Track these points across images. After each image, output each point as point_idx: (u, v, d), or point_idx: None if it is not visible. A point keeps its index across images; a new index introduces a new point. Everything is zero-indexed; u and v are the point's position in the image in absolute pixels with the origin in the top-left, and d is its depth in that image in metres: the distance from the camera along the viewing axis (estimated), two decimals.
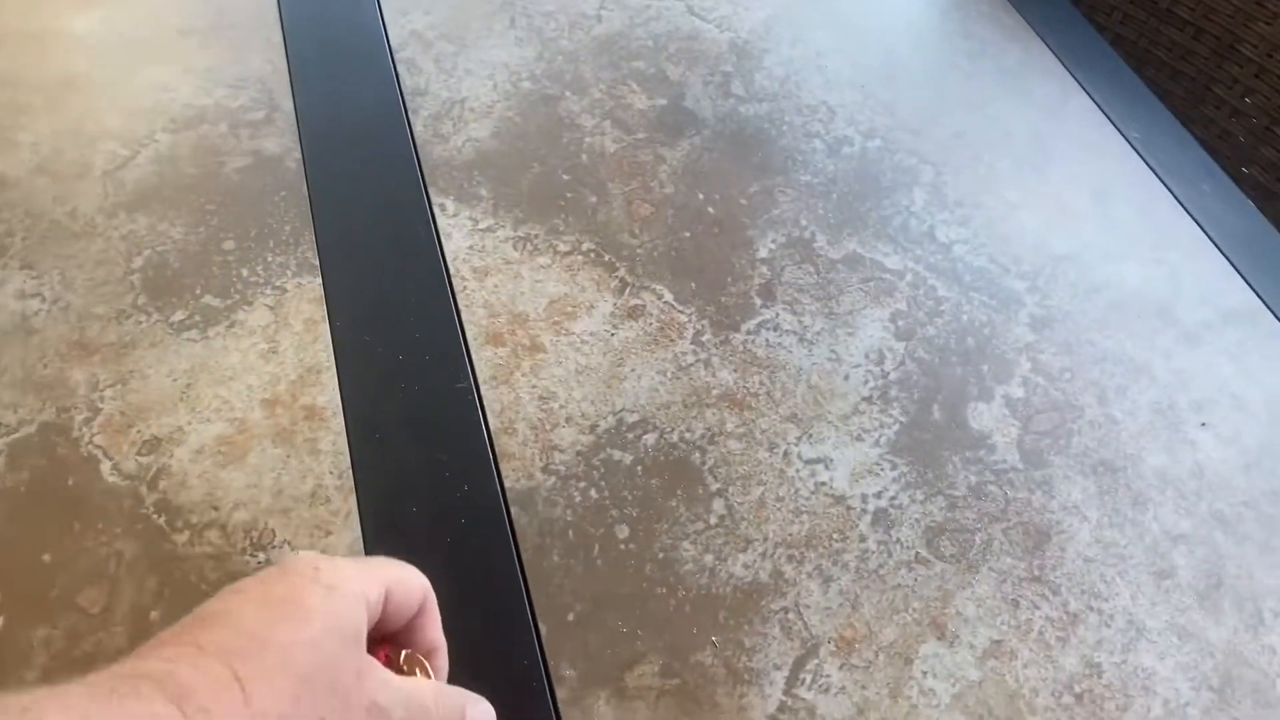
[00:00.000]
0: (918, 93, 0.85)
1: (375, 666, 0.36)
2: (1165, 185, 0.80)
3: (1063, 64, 0.89)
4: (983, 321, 0.70)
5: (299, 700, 0.33)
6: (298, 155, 0.75)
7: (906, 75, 0.87)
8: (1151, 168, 0.81)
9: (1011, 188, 0.79)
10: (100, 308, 0.65)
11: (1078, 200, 0.78)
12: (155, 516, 0.56)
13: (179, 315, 0.65)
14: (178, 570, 0.54)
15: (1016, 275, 0.73)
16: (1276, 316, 0.72)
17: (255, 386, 0.62)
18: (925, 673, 0.54)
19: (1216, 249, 0.76)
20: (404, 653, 0.41)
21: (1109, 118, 0.84)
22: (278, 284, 0.67)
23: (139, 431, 0.59)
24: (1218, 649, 0.56)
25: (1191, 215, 0.78)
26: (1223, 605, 0.58)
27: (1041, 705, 0.53)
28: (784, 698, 0.52)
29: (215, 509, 0.56)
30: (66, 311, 0.64)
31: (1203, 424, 0.66)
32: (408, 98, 0.80)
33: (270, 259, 0.68)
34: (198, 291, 0.66)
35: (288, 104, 0.79)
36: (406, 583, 0.40)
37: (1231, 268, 0.75)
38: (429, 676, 0.41)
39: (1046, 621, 0.56)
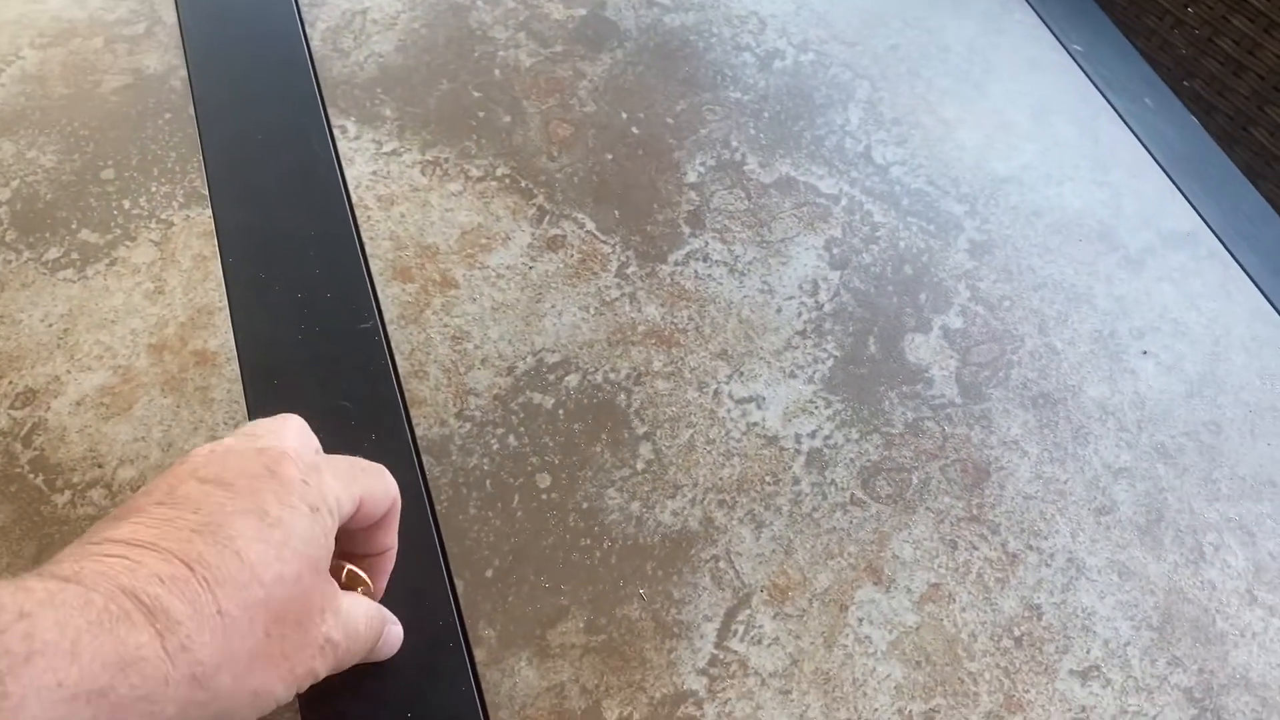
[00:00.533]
0: (852, 3, 0.81)
1: (335, 598, 0.38)
2: (1108, 100, 0.77)
3: None
4: (920, 248, 0.67)
5: (269, 637, 0.35)
6: (183, 74, 0.69)
7: None
8: (1094, 82, 0.78)
9: (950, 105, 0.76)
10: None
11: (1018, 118, 0.75)
12: (31, 476, 0.52)
13: (53, 253, 0.60)
14: (58, 534, 0.50)
15: (955, 198, 0.70)
16: (1218, 238, 0.71)
17: (140, 330, 0.57)
18: (861, 620, 0.52)
19: (1159, 168, 0.74)
20: (346, 569, 0.42)
21: (1050, 29, 0.81)
22: (163, 217, 0.62)
23: (11, 383, 0.55)
24: (1158, 586, 0.55)
25: (1134, 132, 0.76)
26: (1163, 540, 0.57)
27: (980, 650, 0.52)
28: (715, 650, 0.50)
29: (99, 466, 0.52)
30: None
31: (1144, 352, 0.64)
32: (303, 8, 0.74)
33: (154, 189, 0.63)
34: (74, 226, 0.61)
35: (170, 16, 0.72)
36: (377, 494, 0.41)
37: (1174, 188, 0.73)
38: (368, 593, 0.43)
39: (985, 563, 0.55)
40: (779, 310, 0.63)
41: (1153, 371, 0.64)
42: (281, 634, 0.35)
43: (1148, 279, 0.68)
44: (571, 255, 0.63)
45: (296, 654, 0.36)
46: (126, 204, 0.62)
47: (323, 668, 0.38)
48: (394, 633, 0.45)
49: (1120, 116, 0.76)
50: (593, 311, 0.61)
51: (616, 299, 0.62)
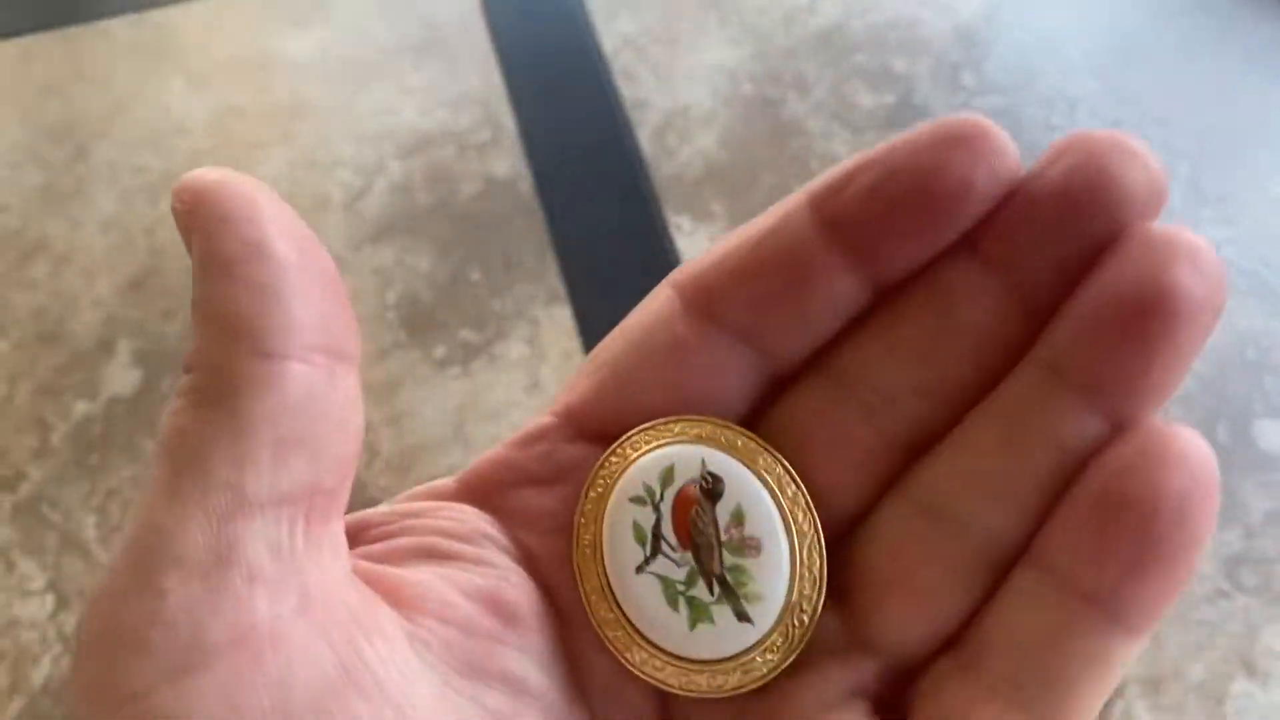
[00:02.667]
0: (1160, 79, 0.84)
1: None
2: None
3: None
4: (1260, 330, 0.69)
5: None
6: (528, 178, 0.78)
7: (1146, 60, 0.86)
8: None
9: (1276, 181, 0.77)
10: (364, 345, 0.69)
11: None
12: None
13: (440, 351, 0.69)
14: None
15: None
16: None
17: (522, 422, 0.65)
18: (1240, 712, 0.55)
19: None
20: None
21: None
22: (530, 315, 0.70)
23: (417, 474, 0.63)
24: None
25: None
26: None
27: None
28: None
29: None
30: None
31: None
32: (629, 110, 0.82)
33: (518, 290, 0.71)
34: (453, 325, 0.70)
35: (509, 122, 0.81)
36: None
37: None
38: None
39: None
40: None
41: None
42: None
43: None
44: None
45: None
46: (496, 304, 0.71)
47: None
48: None
49: None
50: None
51: None
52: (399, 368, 0.68)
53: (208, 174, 0.20)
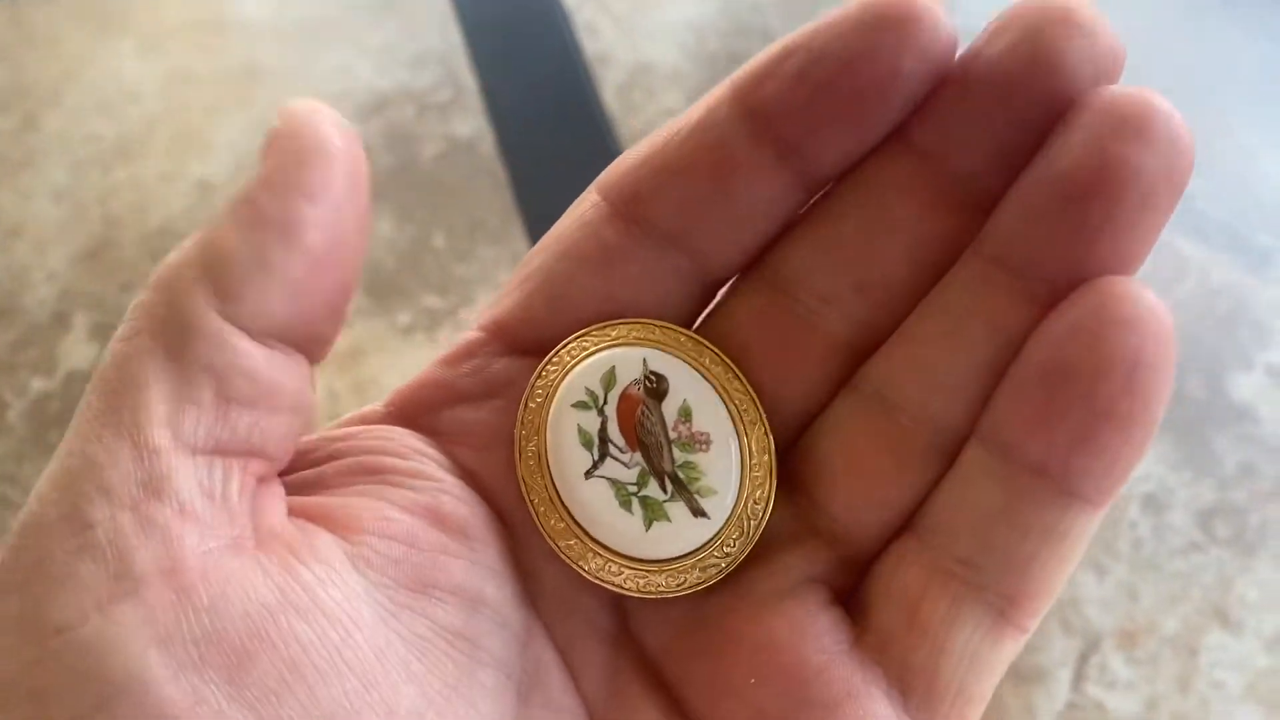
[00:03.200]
0: (1131, 25, 0.83)
1: None
2: None
3: None
4: (1234, 283, 0.69)
5: None
6: (490, 138, 0.76)
7: (1116, 4, 0.85)
8: None
9: (1248, 129, 0.77)
10: None
11: None
12: None
13: (403, 318, 0.67)
14: None
15: (1265, 230, 0.71)
16: None
17: None
18: (1213, 664, 0.55)
19: None
20: None
21: None
22: (495, 280, 0.69)
23: None
24: None
25: None
26: None
27: None
28: (1071, 695, 0.54)
29: None
30: None
31: None
32: (592, 66, 0.80)
33: (483, 253, 0.70)
34: (417, 291, 0.69)
35: (470, 81, 0.80)
36: None
37: None
38: None
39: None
40: None
41: None
42: None
43: None
44: None
45: None
46: (460, 269, 0.70)
47: None
48: None
49: None
50: None
51: None
52: (362, 335, 0.67)
53: (317, 115, 0.19)
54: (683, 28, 0.83)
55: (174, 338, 0.18)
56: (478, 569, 0.21)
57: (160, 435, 0.18)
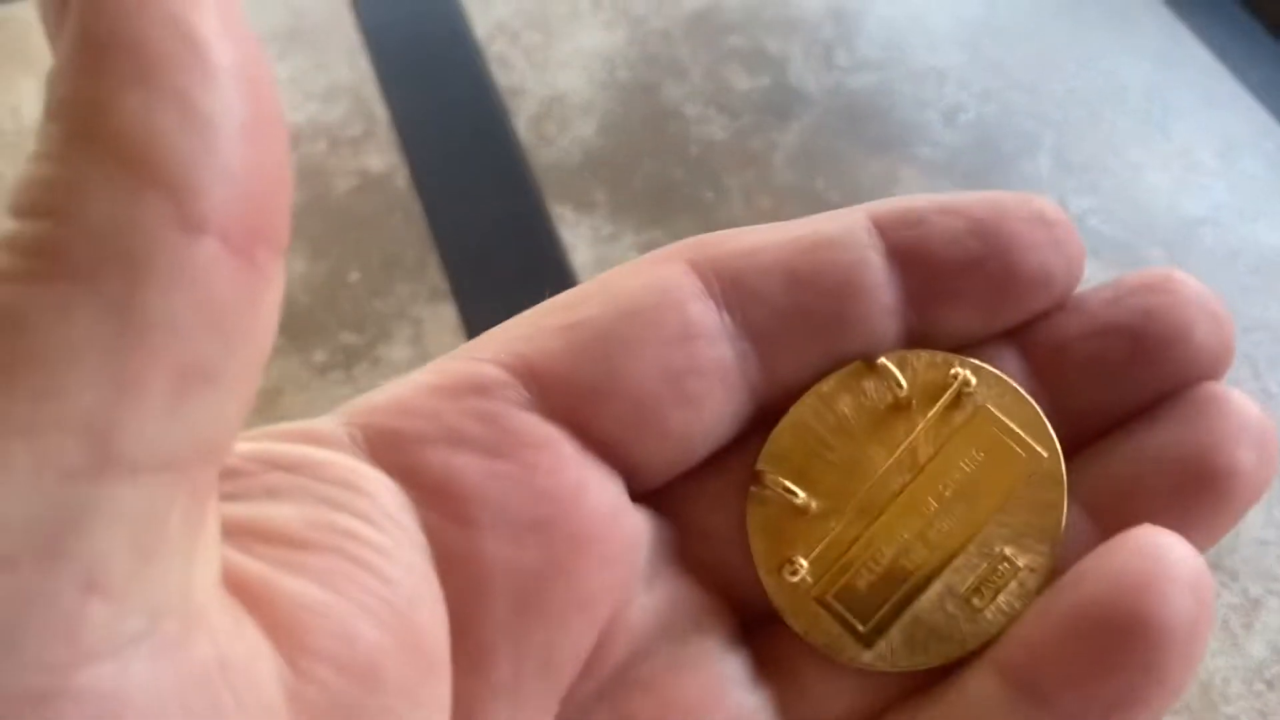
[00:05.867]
0: (1026, 47, 0.86)
1: None
2: None
3: (1169, 7, 0.90)
4: None
5: None
6: (404, 171, 0.77)
7: (1012, 28, 0.88)
8: (1276, 116, 0.82)
9: (1135, 147, 0.80)
10: None
11: (1204, 157, 0.80)
12: None
13: (319, 356, 0.68)
14: None
15: (1153, 243, 0.75)
16: None
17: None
18: None
19: None
20: None
21: (1225, 65, 0.85)
22: (412, 315, 0.69)
23: None
24: None
25: None
26: None
27: (1235, 694, 0.57)
28: None
29: None
30: None
31: None
32: (505, 98, 0.81)
33: (399, 288, 0.71)
34: (333, 328, 0.69)
35: (383, 113, 0.80)
36: None
37: None
38: None
39: (1229, 609, 0.60)
40: None
41: None
42: None
43: None
44: None
45: None
46: (377, 304, 0.70)
47: None
48: None
49: None
50: None
51: None
52: (278, 374, 0.67)
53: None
54: (593, 58, 0.84)
55: (109, 276, 0.12)
56: None
57: (79, 447, 0.11)
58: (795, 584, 0.21)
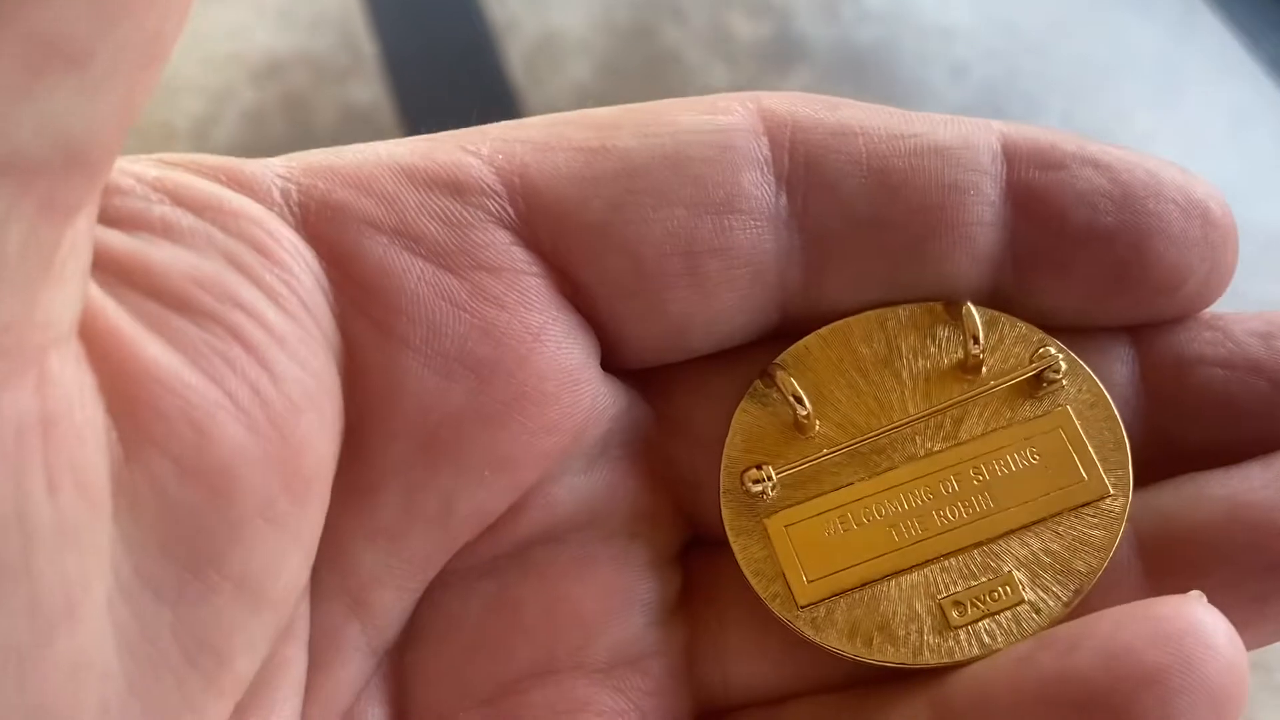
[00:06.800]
0: (1037, 9, 0.84)
1: None
2: None
3: None
4: None
5: None
6: (391, 107, 0.74)
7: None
8: None
9: (1144, 117, 0.78)
10: None
11: (1214, 130, 0.78)
12: None
13: None
14: None
15: None
16: None
17: None
18: None
19: None
20: None
21: (1238, 36, 0.83)
22: None
23: None
24: None
25: None
26: None
27: None
28: None
29: None
30: None
31: None
32: (496, 33, 0.78)
33: None
34: None
35: (369, 47, 0.77)
36: None
37: None
38: None
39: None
40: None
41: None
42: None
43: None
44: None
45: None
46: None
47: None
48: None
49: None
50: None
51: None
52: None
53: None
54: None
55: None
56: (296, 548, 0.14)
57: None
58: (753, 495, 0.18)
